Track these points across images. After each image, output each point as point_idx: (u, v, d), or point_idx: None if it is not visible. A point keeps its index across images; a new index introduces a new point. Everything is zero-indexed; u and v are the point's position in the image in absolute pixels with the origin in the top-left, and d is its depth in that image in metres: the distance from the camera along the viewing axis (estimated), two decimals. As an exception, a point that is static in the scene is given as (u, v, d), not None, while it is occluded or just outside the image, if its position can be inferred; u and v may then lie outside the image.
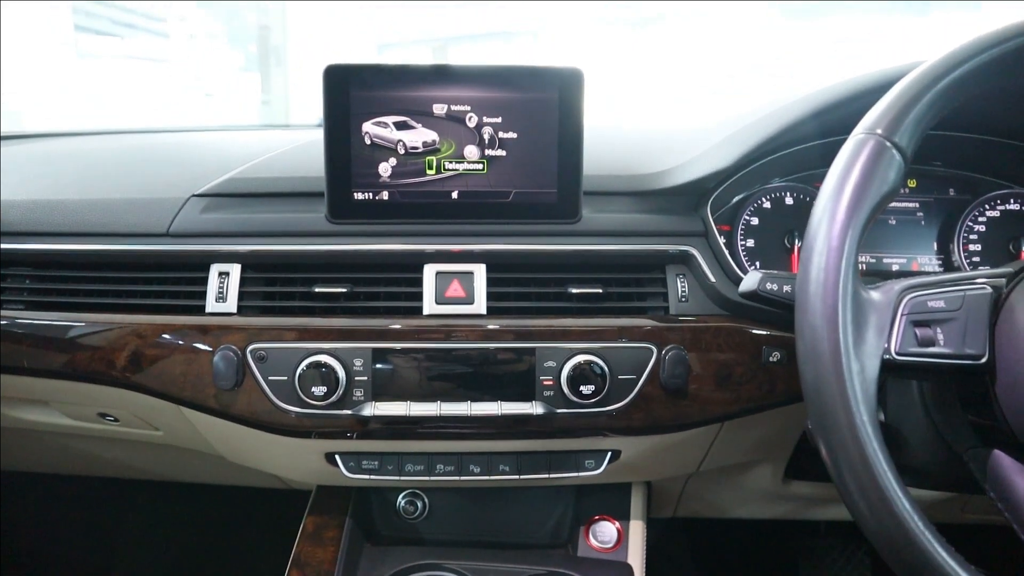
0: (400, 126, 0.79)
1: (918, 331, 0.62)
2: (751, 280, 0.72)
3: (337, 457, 0.85)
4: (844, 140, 0.63)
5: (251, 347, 0.78)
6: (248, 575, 1.41)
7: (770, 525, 1.27)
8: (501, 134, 0.79)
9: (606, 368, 0.77)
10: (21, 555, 1.43)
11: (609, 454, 0.85)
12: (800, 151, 0.87)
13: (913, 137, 0.61)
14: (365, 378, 0.78)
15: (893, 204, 0.91)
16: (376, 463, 0.84)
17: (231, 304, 0.80)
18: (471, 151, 0.80)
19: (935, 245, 0.91)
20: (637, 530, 0.91)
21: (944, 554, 0.56)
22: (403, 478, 0.84)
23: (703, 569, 1.49)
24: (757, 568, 1.55)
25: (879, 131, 0.61)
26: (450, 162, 0.80)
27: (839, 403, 0.57)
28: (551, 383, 0.78)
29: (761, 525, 1.27)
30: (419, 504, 0.93)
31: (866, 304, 0.62)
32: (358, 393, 0.78)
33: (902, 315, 0.62)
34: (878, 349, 0.61)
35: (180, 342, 0.80)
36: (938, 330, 0.63)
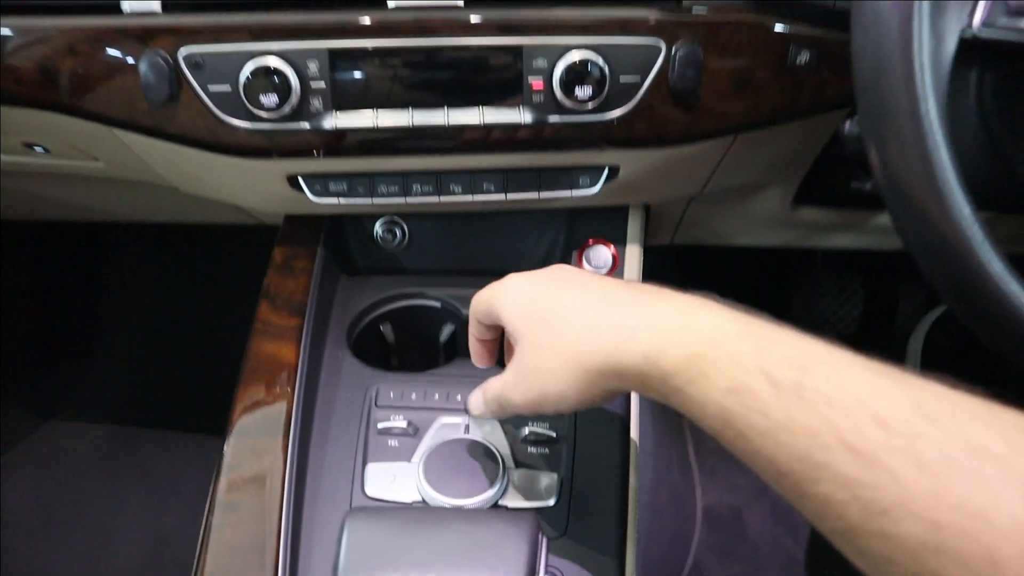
0: None
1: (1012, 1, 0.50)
2: None
3: (300, 180, 0.75)
4: None
5: (184, 52, 0.65)
6: (230, 312, 1.39)
7: (766, 255, 1.22)
8: None
9: (606, 68, 0.65)
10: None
11: (606, 171, 0.76)
12: None
13: None
14: (323, 84, 0.66)
15: None
16: (344, 185, 0.75)
17: None
18: None
19: None
20: (634, 255, 0.84)
21: (1002, 267, 0.48)
22: (376, 201, 0.75)
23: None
24: (750, 297, 1.54)
25: None
26: None
27: (902, 86, 0.46)
28: (541, 86, 0.67)
29: (757, 255, 1.22)
30: (398, 232, 0.85)
31: None
32: (316, 102, 0.67)
33: None
34: (958, 22, 0.49)
35: (96, 49, 0.67)
36: None
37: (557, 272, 0.55)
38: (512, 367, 0.55)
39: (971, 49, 0.50)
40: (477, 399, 0.60)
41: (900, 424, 0.35)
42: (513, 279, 0.57)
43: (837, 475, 0.36)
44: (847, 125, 0.64)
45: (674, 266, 1.42)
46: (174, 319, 1.59)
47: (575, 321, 0.49)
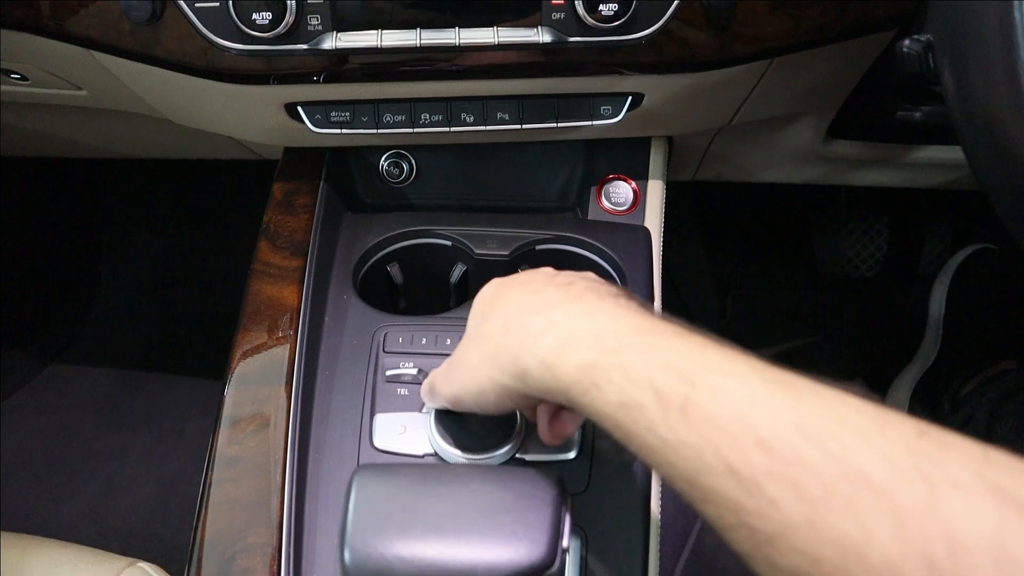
0: None
1: None
2: None
3: (300, 109, 0.70)
4: None
5: (167, -37, 0.59)
6: (226, 250, 1.35)
7: (788, 193, 1.17)
8: None
9: None
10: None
11: (629, 98, 0.70)
12: None
13: None
14: (320, 1, 0.60)
15: None
16: (347, 114, 0.69)
17: None
18: None
19: None
20: (656, 190, 0.79)
21: None
22: (381, 131, 0.70)
23: (715, 236, 1.43)
24: (771, 237, 1.49)
25: None
26: None
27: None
28: (562, 2, 0.60)
29: (778, 193, 1.17)
30: (405, 166, 0.80)
31: None
32: (313, 21, 0.61)
33: None
34: None
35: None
36: None
37: (525, 275, 0.52)
38: (448, 358, 0.54)
39: None
40: (424, 387, 0.58)
41: (782, 446, 0.33)
42: (489, 284, 0.54)
43: (724, 500, 0.34)
44: (905, 43, 0.57)
45: (695, 204, 1.37)
46: (175, 259, 1.55)
47: (499, 319, 0.47)
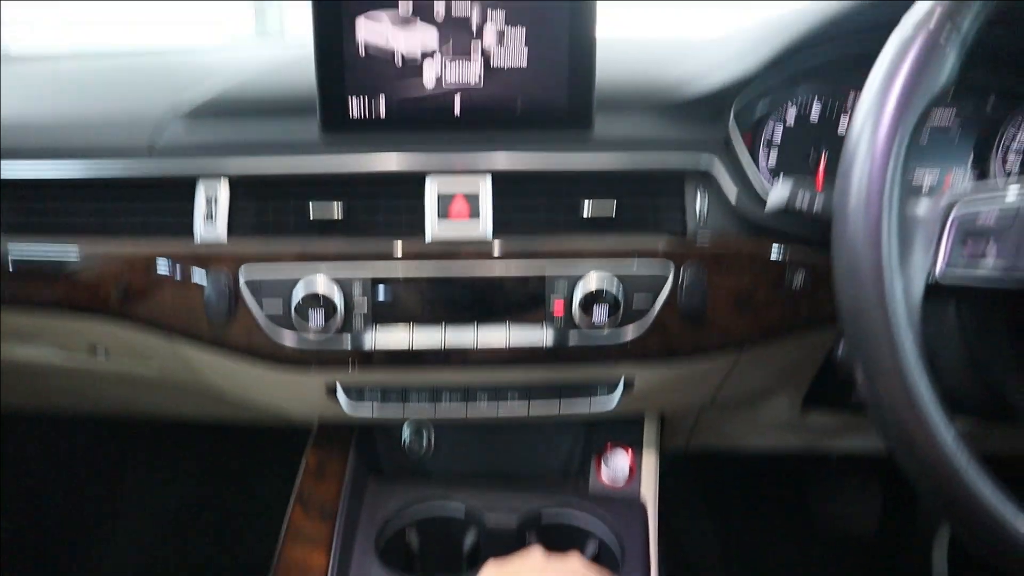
0: (397, 22, 0.71)
1: (968, 245, 0.57)
2: (780, 192, 0.66)
3: (338, 389, 0.81)
4: (887, 34, 0.57)
5: (244, 274, 0.73)
6: (253, 514, 1.39)
7: (780, 459, 1.24)
8: (507, 35, 0.72)
9: (620, 291, 0.72)
10: (22, 498, 1.40)
11: (622, 384, 0.81)
12: (833, 54, 0.79)
13: (979, 17, 0.54)
14: (365, 307, 0.73)
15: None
16: (378, 395, 0.80)
17: (221, 227, 0.75)
18: (474, 54, 0.73)
19: (970, 159, 0.84)
20: (650, 462, 0.87)
21: (989, 492, 0.52)
22: (408, 406, 0.80)
23: (710, 504, 1.47)
24: (766, 503, 1.53)
25: (938, 12, 0.54)
26: (451, 62, 0.73)
27: (880, 327, 0.52)
28: (562, 309, 0.73)
29: (771, 459, 1.24)
30: (424, 439, 0.89)
31: (911, 218, 0.57)
32: (357, 322, 0.74)
33: (951, 229, 0.57)
34: (924, 269, 0.56)
35: (167, 269, 0.75)
36: (991, 244, 0.57)
37: (518, 567, 0.59)
38: None
39: (940, 291, 0.56)
40: None
41: None
42: (485, 567, 0.60)
43: None
44: (840, 348, 0.69)
45: (690, 473, 1.43)
46: (196, 516, 1.57)
47: None
